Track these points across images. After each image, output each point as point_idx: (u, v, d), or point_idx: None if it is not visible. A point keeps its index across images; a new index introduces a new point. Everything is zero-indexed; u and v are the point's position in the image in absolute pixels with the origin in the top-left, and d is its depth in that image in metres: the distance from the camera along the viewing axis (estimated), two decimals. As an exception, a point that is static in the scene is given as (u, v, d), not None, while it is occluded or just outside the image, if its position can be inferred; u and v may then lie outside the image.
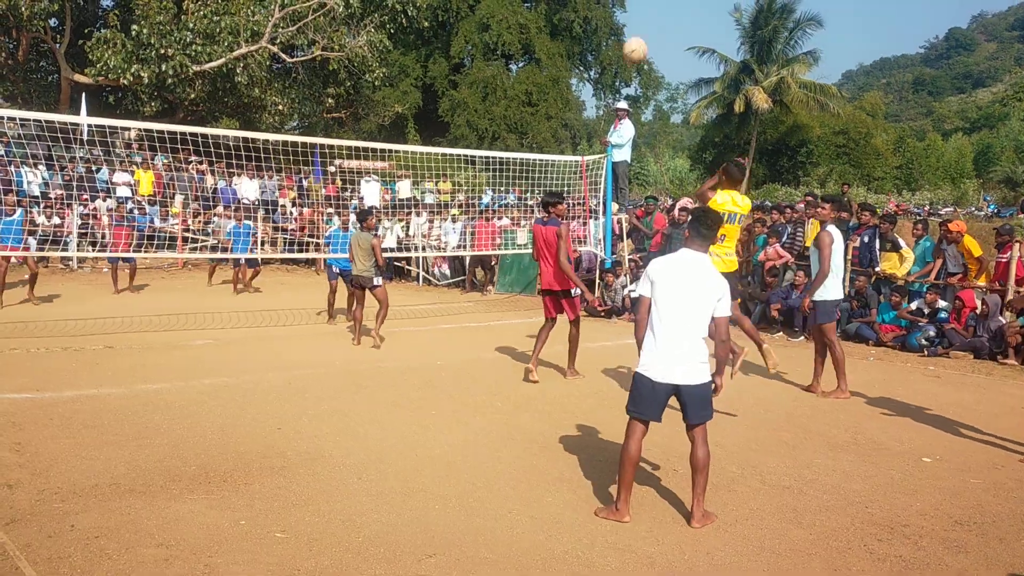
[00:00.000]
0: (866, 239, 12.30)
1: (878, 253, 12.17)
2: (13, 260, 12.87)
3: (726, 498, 5.18)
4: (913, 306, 11.38)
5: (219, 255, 16.80)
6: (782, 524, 4.79)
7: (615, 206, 14.53)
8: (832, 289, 8.16)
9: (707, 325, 4.69)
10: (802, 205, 15.77)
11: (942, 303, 11.08)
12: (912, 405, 7.87)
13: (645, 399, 4.69)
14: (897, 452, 6.31)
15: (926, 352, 10.72)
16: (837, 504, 5.13)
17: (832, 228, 8.15)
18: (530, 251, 16.57)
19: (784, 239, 13.30)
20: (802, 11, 44.73)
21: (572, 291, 8.50)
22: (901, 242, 12.37)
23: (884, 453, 6.28)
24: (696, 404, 4.69)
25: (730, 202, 6.90)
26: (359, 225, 10.58)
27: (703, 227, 4.78)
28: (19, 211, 12.95)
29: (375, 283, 10.31)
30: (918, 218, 16.94)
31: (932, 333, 10.87)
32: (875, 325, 11.53)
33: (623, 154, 14.32)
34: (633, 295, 4.81)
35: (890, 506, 5.12)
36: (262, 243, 17.41)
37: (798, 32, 44.92)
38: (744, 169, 7.46)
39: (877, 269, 12.07)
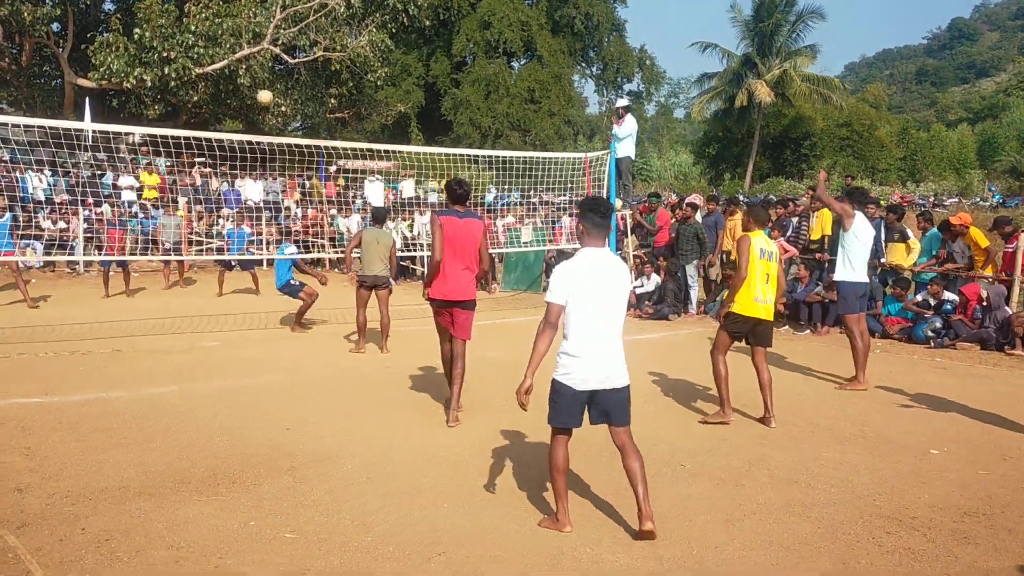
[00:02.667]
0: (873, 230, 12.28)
1: (883, 244, 12.15)
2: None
3: (733, 493, 5.18)
4: (919, 298, 11.36)
5: (225, 256, 16.86)
6: (790, 518, 4.79)
7: (618, 202, 14.53)
8: (853, 271, 8.32)
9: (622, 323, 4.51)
10: (805, 199, 15.74)
11: (948, 295, 11.06)
12: (919, 397, 7.86)
13: (568, 408, 4.46)
14: (904, 445, 6.30)
15: (932, 344, 10.69)
16: (845, 497, 5.13)
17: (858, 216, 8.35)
18: (534, 248, 16.76)
19: (789, 233, 13.27)
20: (804, 4, 44.69)
21: (474, 303, 6.97)
22: (909, 232, 12.35)
23: (891, 446, 6.28)
24: (620, 407, 4.50)
25: (763, 242, 6.94)
26: (372, 223, 10.26)
27: (597, 216, 4.49)
28: (7, 215, 12.99)
29: (389, 284, 10.04)
30: (922, 210, 16.86)
31: (938, 325, 10.85)
32: (881, 317, 11.50)
33: (626, 150, 14.31)
34: (549, 299, 4.52)
35: (898, 499, 5.11)
36: (267, 244, 17.41)
37: (800, 25, 44.90)
38: (768, 210, 7.59)
39: (883, 260, 12.05)
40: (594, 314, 4.39)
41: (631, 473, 4.46)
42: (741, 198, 33.95)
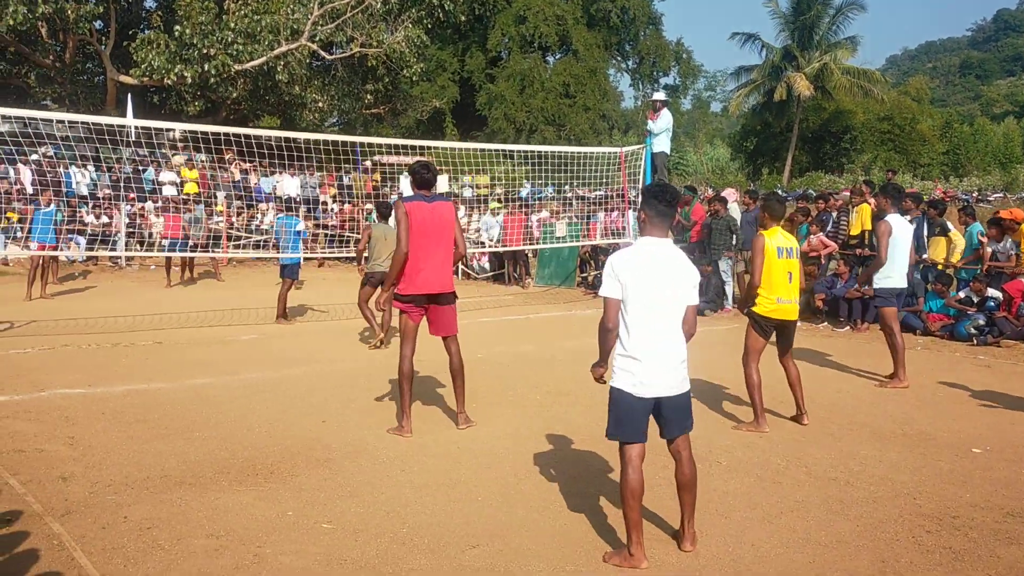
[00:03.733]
0: (913, 226, 12.08)
1: (926, 240, 11.94)
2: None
3: (771, 490, 5.13)
4: (961, 295, 11.15)
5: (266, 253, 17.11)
6: (828, 516, 4.73)
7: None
8: (890, 278, 8.11)
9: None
10: (847, 193, 15.52)
11: (992, 292, 10.84)
12: (961, 395, 7.73)
13: (631, 419, 4.02)
14: (946, 443, 6.20)
15: (975, 341, 10.49)
16: (884, 495, 5.05)
17: (892, 218, 8.10)
18: (568, 243, 16.69)
19: (828, 228, 13.09)
20: (844, -5, 43.87)
21: (454, 295, 6.40)
22: (949, 225, 12.13)
23: (932, 444, 6.17)
24: (681, 414, 4.15)
25: (781, 239, 6.69)
26: (379, 218, 10.31)
27: (662, 203, 4.09)
28: (52, 207, 13.32)
29: None
30: (964, 204, 16.51)
31: (982, 322, 10.63)
32: (923, 314, 11.31)
33: (662, 145, 14.19)
34: (601, 292, 4.05)
35: (939, 497, 5.03)
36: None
37: (840, 17, 44.20)
38: (784, 202, 7.23)
39: (925, 256, 11.85)
40: (655, 310, 3.99)
41: (683, 484, 4.21)
42: (780, 192, 33.59)
